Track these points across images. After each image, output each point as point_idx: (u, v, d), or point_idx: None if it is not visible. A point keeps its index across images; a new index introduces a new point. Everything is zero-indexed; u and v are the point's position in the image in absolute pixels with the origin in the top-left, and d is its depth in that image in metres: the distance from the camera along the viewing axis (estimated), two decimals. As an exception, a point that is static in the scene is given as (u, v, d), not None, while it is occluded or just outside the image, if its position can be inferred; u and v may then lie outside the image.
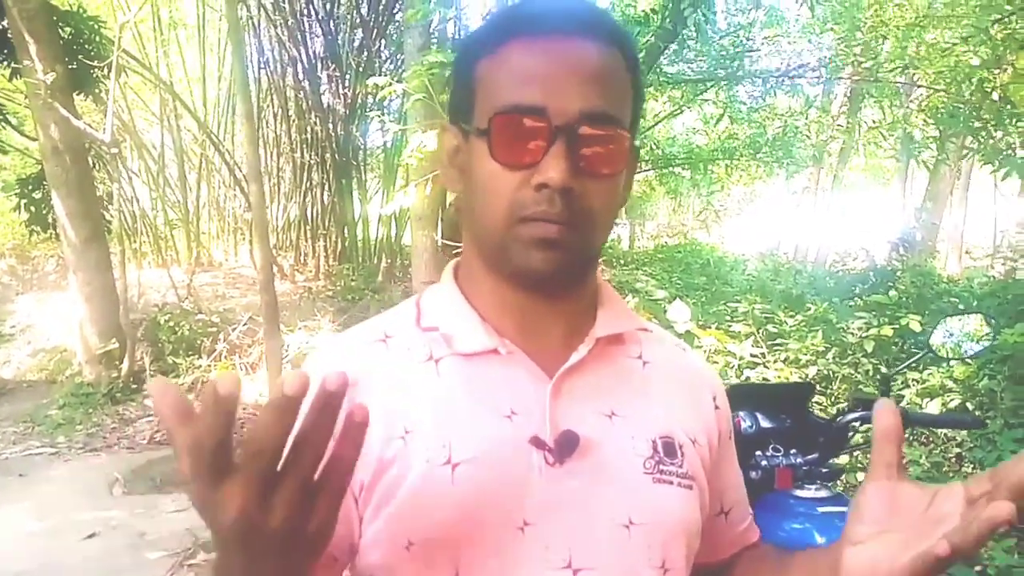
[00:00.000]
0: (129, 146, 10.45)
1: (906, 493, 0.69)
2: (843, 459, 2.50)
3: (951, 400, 4.72)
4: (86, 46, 7.31)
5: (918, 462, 4.37)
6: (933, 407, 4.60)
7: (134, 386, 7.15)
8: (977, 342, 2.19)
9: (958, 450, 4.59)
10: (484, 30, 0.90)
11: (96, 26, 7.51)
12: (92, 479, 5.38)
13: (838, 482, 2.12)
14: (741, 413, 2.01)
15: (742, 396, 2.10)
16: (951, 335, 2.23)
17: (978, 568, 3.25)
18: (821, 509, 1.88)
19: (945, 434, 4.58)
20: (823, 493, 1.94)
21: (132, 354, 7.19)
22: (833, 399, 5.08)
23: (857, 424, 2.10)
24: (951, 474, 4.37)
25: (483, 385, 0.86)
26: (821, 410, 4.73)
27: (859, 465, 4.06)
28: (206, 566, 4.07)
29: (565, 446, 0.83)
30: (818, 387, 5.00)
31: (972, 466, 4.36)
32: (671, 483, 0.88)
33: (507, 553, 0.81)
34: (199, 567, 4.10)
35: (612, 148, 0.84)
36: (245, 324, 7.84)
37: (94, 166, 7.88)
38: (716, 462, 0.97)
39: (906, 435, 2.18)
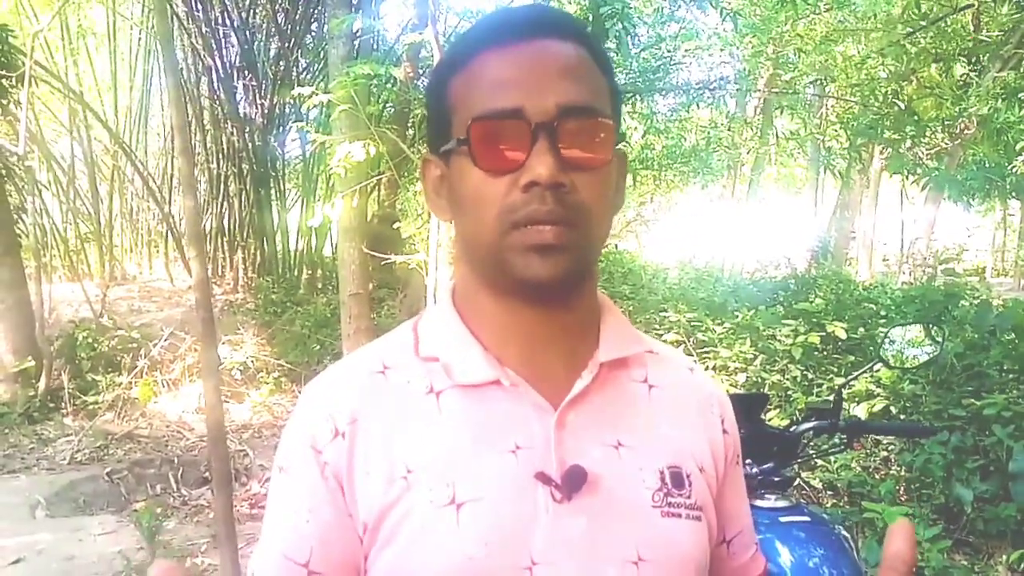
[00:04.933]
0: (37, 158, 10.03)
1: None
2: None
3: (876, 404, 4.83)
4: (-7, 56, 6.99)
5: (849, 466, 4.46)
6: (859, 411, 4.70)
7: (51, 405, 6.87)
8: (923, 351, 2.22)
9: (885, 454, 4.70)
10: (452, 51, 0.88)
11: (3, 35, 7.17)
12: (12, 503, 5.09)
13: (790, 490, 2.13)
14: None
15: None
16: (897, 344, 2.26)
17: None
18: (783, 519, 1.89)
19: (874, 439, 4.68)
20: (783, 503, 1.95)
21: (49, 372, 6.94)
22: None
23: (810, 434, 2.12)
24: (881, 476, 4.47)
25: (486, 419, 0.83)
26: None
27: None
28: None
29: (572, 482, 0.80)
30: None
31: (900, 468, 4.47)
32: (680, 516, 0.85)
33: None
34: (132, 590, 3.97)
35: (597, 139, 0.81)
36: (167, 340, 7.58)
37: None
38: (721, 489, 0.94)
39: (842, 440, 2.22)
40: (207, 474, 5.53)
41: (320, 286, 11.32)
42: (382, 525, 0.79)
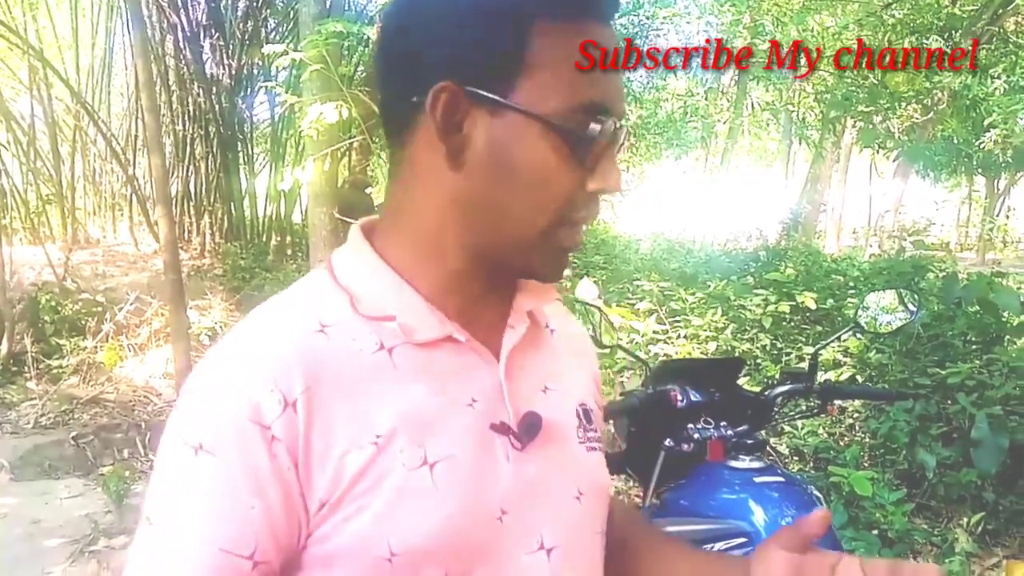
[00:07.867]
0: (-5, 116, 9.77)
1: (811, 564, 0.78)
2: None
3: (843, 373, 4.88)
4: (-53, 8, 6.76)
5: (816, 432, 4.51)
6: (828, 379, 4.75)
7: (14, 369, 6.71)
8: (896, 317, 2.23)
9: (851, 420, 4.77)
10: None
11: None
12: (-25, 467, 5.03)
13: (761, 453, 2.14)
14: (674, 388, 2.01)
15: (675, 371, 2.13)
16: (871, 311, 2.27)
17: (876, 532, 3.37)
18: (758, 479, 1.90)
19: (840, 405, 4.74)
20: (758, 464, 1.96)
21: (11, 335, 6.78)
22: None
23: (782, 398, 2.13)
24: (847, 443, 4.53)
25: (441, 375, 0.80)
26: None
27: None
28: (107, 552, 3.91)
29: (528, 429, 0.81)
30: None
31: (865, 434, 4.53)
32: (596, 448, 0.91)
33: (490, 545, 0.78)
34: (100, 554, 3.92)
35: None
36: (132, 304, 7.45)
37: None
38: None
39: (815, 404, 2.23)
40: (175, 438, 5.46)
41: (290, 252, 11.19)
42: (347, 496, 0.72)
